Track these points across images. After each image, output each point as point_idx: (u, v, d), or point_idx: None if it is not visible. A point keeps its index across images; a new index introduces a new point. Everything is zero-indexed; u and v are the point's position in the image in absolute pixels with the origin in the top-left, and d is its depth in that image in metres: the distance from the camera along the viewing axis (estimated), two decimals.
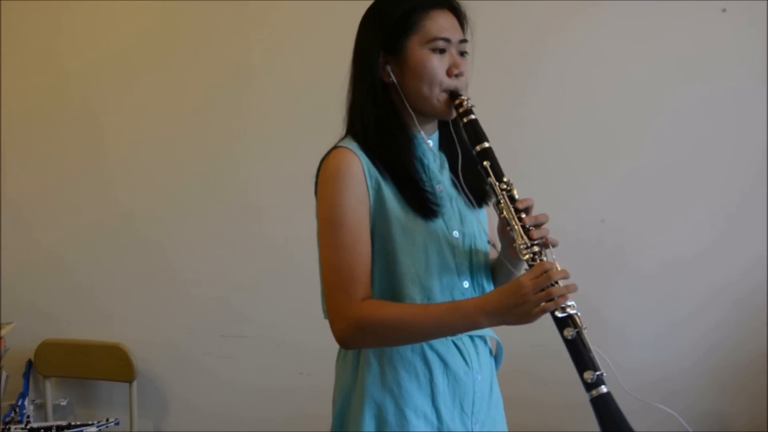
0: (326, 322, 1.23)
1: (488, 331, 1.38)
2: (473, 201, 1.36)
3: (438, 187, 1.33)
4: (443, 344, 1.31)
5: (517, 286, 1.16)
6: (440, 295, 1.29)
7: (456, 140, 1.35)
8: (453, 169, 1.36)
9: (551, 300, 1.14)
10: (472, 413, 1.33)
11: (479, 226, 1.38)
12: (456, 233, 1.32)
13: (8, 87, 2.63)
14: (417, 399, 1.29)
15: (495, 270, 1.41)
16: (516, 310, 1.16)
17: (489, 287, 1.38)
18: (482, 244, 1.37)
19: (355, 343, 1.29)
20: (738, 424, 2.38)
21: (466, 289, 1.33)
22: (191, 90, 2.56)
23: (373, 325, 1.24)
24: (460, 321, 1.22)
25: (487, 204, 1.40)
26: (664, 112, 2.34)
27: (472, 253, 1.34)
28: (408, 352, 1.30)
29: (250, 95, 2.52)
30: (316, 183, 1.32)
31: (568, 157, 2.39)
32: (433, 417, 1.30)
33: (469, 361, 1.33)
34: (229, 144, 2.56)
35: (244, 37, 2.52)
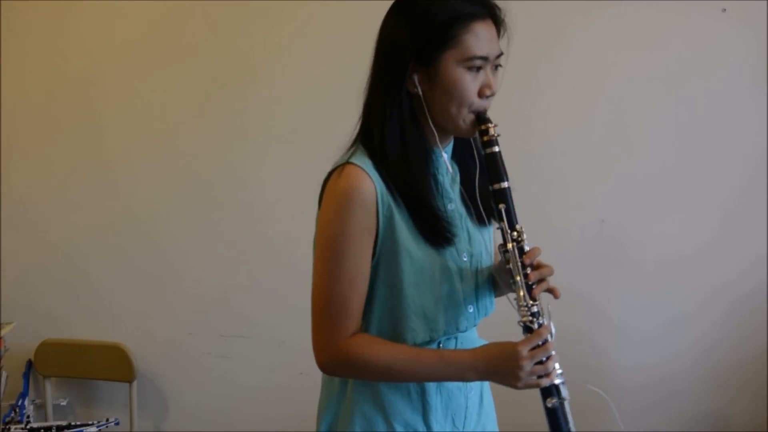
0: None
1: (483, 342, 1.34)
2: (483, 218, 1.31)
3: (450, 206, 1.27)
4: None
5: (514, 355, 1.14)
6: (444, 327, 1.25)
7: (474, 153, 1.28)
8: (465, 182, 1.30)
9: (544, 376, 1.15)
10: (464, 426, 1.31)
11: (486, 245, 1.33)
12: (465, 256, 1.27)
13: (9, 85, 2.62)
14: (408, 415, 1.26)
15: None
16: (507, 377, 1.15)
17: (491, 308, 1.35)
18: (487, 263, 1.33)
19: (339, 374, 1.28)
20: (738, 424, 2.38)
21: (471, 313, 1.29)
22: (194, 89, 2.55)
23: (359, 365, 1.21)
24: (448, 375, 1.21)
25: (496, 221, 1.34)
26: (664, 111, 2.34)
27: (478, 274, 1.30)
28: None
29: (253, 95, 2.52)
30: (320, 196, 1.24)
31: (569, 157, 2.39)
32: (422, 429, 1.27)
33: None
34: (230, 144, 2.55)
35: (246, 36, 2.51)
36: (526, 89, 2.38)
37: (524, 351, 1.13)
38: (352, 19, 2.41)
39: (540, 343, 1.15)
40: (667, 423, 2.40)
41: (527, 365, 1.13)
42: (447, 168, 1.27)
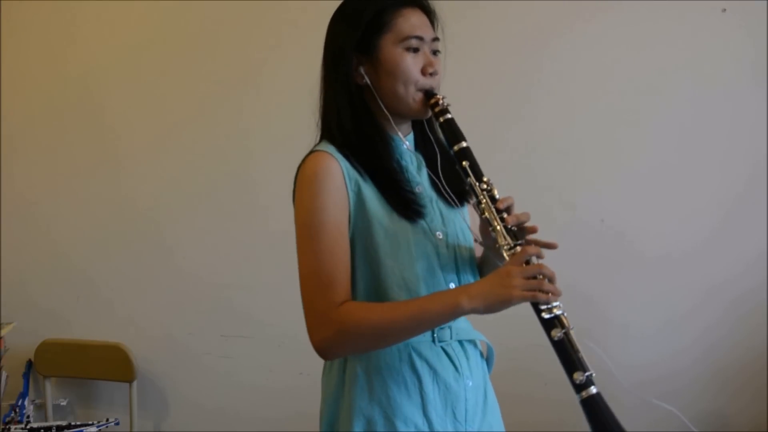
0: None
1: (478, 335, 1.37)
2: (454, 200, 1.33)
3: (418, 189, 1.31)
4: (432, 351, 1.28)
5: (504, 270, 1.15)
6: None
7: (432, 139, 1.34)
8: (431, 169, 1.34)
9: (537, 290, 1.12)
10: (465, 420, 1.30)
11: (462, 226, 1.36)
12: (439, 234, 1.30)
13: (11, 85, 2.63)
14: (407, 409, 1.25)
15: (482, 268, 1.39)
16: (500, 289, 1.13)
17: None
18: (466, 243, 1.35)
19: (337, 349, 1.24)
20: (738, 423, 2.39)
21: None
22: (197, 89, 2.56)
23: (355, 326, 1.19)
24: (441, 305, 1.17)
25: (468, 202, 1.38)
26: (665, 111, 2.34)
27: (456, 253, 1.32)
28: (395, 360, 1.26)
29: (257, 94, 2.53)
30: (294, 189, 1.30)
31: (569, 157, 2.39)
32: (424, 426, 1.26)
33: (459, 366, 1.30)
34: (232, 144, 2.56)
35: (250, 36, 2.52)
36: (526, 89, 2.38)
37: (513, 266, 1.14)
38: None
39: (528, 260, 1.15)
40: (667, 422, 2.40)
41: (517, 273, 1.13)
42: (409, 153, 1.33)
